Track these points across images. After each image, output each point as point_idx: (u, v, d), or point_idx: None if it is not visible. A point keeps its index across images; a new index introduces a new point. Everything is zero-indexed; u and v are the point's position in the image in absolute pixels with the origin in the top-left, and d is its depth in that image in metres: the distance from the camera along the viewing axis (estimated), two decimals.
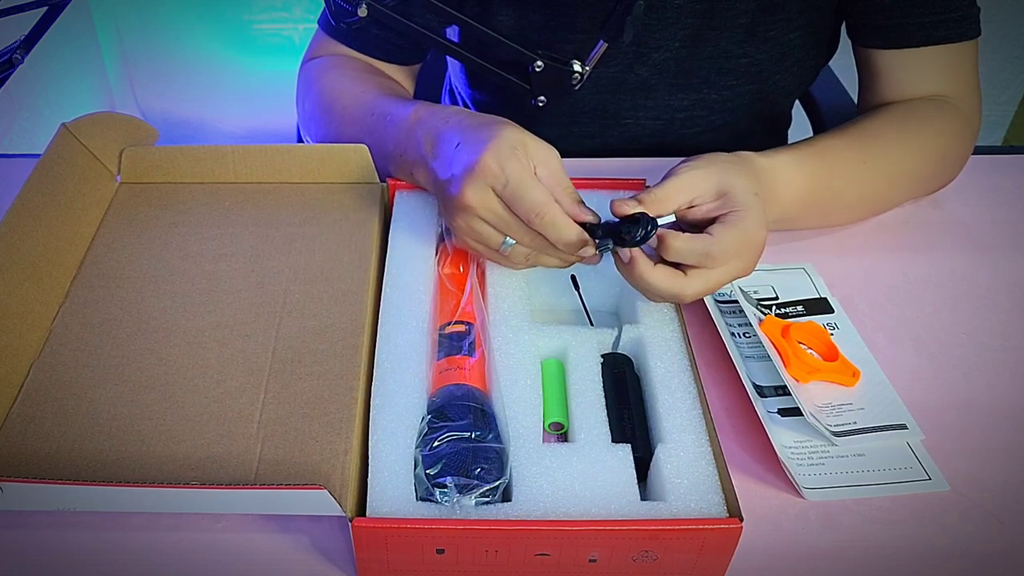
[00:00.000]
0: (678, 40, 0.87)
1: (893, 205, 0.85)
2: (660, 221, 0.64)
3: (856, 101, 0.92)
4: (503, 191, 0.63)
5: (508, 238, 0.65)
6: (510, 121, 0.67)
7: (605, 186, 0.77)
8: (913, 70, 0.84)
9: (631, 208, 0.64)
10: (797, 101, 1.05)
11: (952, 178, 0.86)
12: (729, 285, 0.73)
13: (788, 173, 0.73)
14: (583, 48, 0.78)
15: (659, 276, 0.63)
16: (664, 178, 0.66)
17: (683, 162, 0.67)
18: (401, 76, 0.95)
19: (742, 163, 0.69)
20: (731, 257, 0.64)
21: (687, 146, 0.95)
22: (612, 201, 0.64)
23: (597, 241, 0.64)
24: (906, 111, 0.83)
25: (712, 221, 0.64)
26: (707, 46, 0.88)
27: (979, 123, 0.86)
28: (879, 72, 0.85)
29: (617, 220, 0.64)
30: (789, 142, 1.06)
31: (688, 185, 0.65)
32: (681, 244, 0.63)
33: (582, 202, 0.65)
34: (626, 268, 0.65)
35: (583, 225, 0.64)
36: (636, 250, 0.64)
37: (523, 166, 0.63)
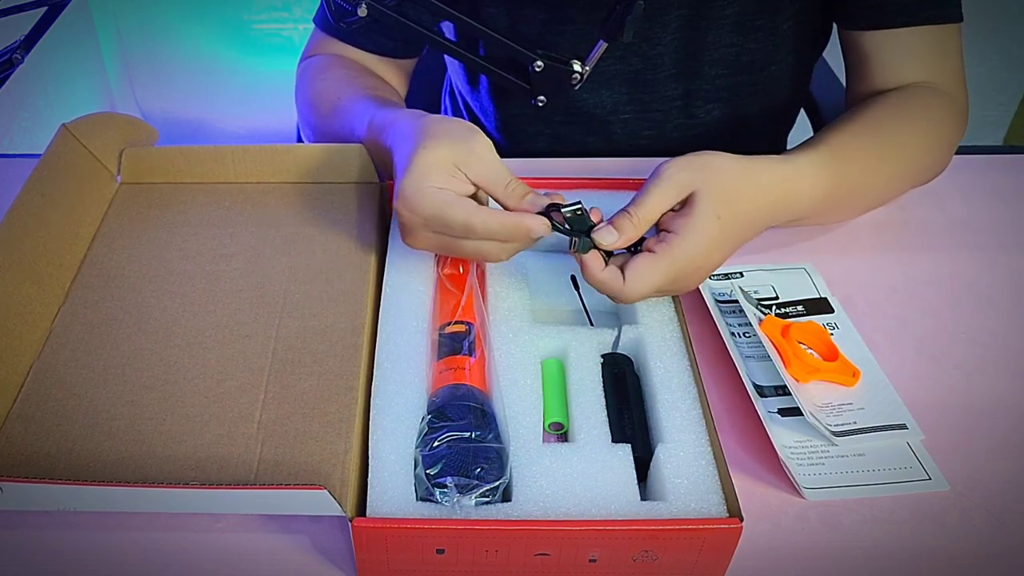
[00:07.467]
0: (670, 33, 0.87)
1: (896, 196, 0.85)
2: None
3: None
4: (431, 227, 0.63)
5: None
6: (424, 136, 0.65)
7: (605, 186, 0.77)
8: (899, 53, 0.83)
9: (611, 239, 0.64)
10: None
11: (946, 164, 0.86)
12: (729, 285, 0.73)
13: (813, 176, 0.73)
14: (576, 42, 0.77)
15: (602, 277, 0.64)
16: (644, 190, 0.65)
17: (667, 163, 0.66)
18: (394, 72, 0.95)
19: (737, 176, 0.67)
20: (648, 293, 0.64)
21: (687, 137, 0.95)
22: (593, 233, 0.64)
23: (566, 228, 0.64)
24: (901, 100, 0.82)
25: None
26: (698, 36, 0.88)
27: (967, 109, 0.86)
28: (866, 58, 0.85)
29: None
30: (790, 136, 1.06)
31: (672, 194, 0.65)
32: (596, 276, 0.64)
33: (529, 191, 0.64)
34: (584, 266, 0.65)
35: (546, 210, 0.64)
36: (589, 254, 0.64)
37: (433, 199, 0.62)
